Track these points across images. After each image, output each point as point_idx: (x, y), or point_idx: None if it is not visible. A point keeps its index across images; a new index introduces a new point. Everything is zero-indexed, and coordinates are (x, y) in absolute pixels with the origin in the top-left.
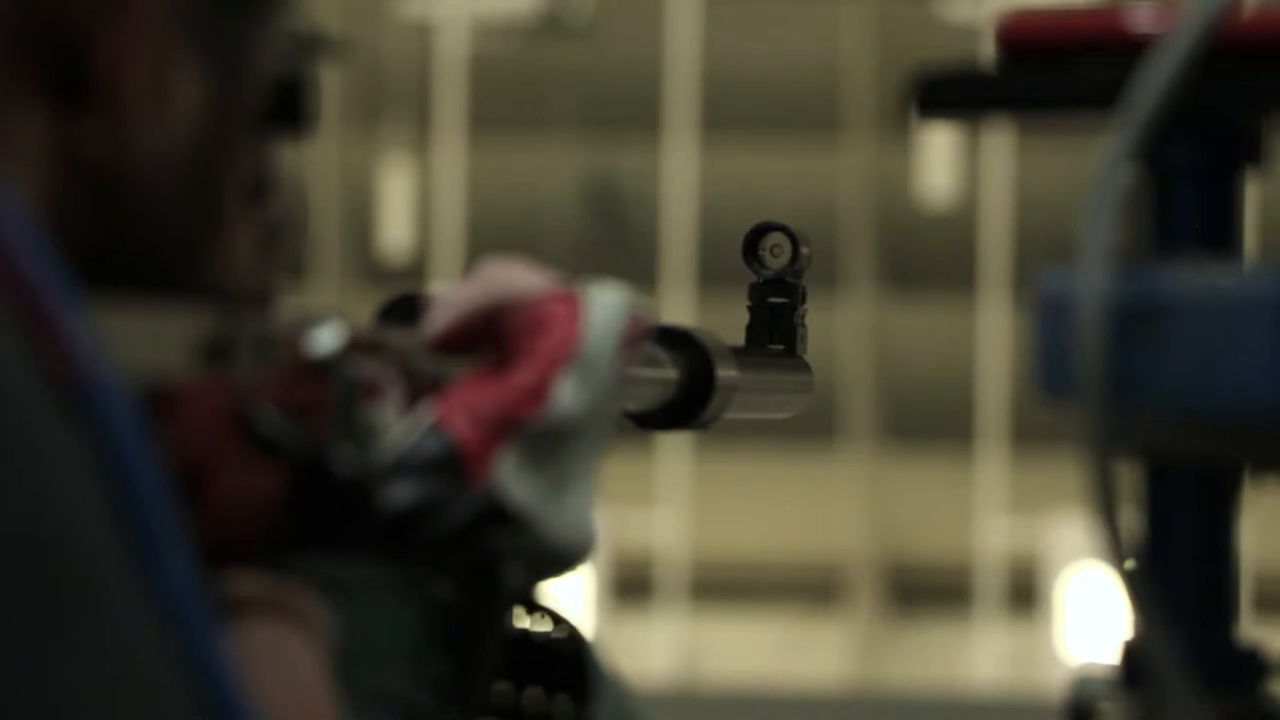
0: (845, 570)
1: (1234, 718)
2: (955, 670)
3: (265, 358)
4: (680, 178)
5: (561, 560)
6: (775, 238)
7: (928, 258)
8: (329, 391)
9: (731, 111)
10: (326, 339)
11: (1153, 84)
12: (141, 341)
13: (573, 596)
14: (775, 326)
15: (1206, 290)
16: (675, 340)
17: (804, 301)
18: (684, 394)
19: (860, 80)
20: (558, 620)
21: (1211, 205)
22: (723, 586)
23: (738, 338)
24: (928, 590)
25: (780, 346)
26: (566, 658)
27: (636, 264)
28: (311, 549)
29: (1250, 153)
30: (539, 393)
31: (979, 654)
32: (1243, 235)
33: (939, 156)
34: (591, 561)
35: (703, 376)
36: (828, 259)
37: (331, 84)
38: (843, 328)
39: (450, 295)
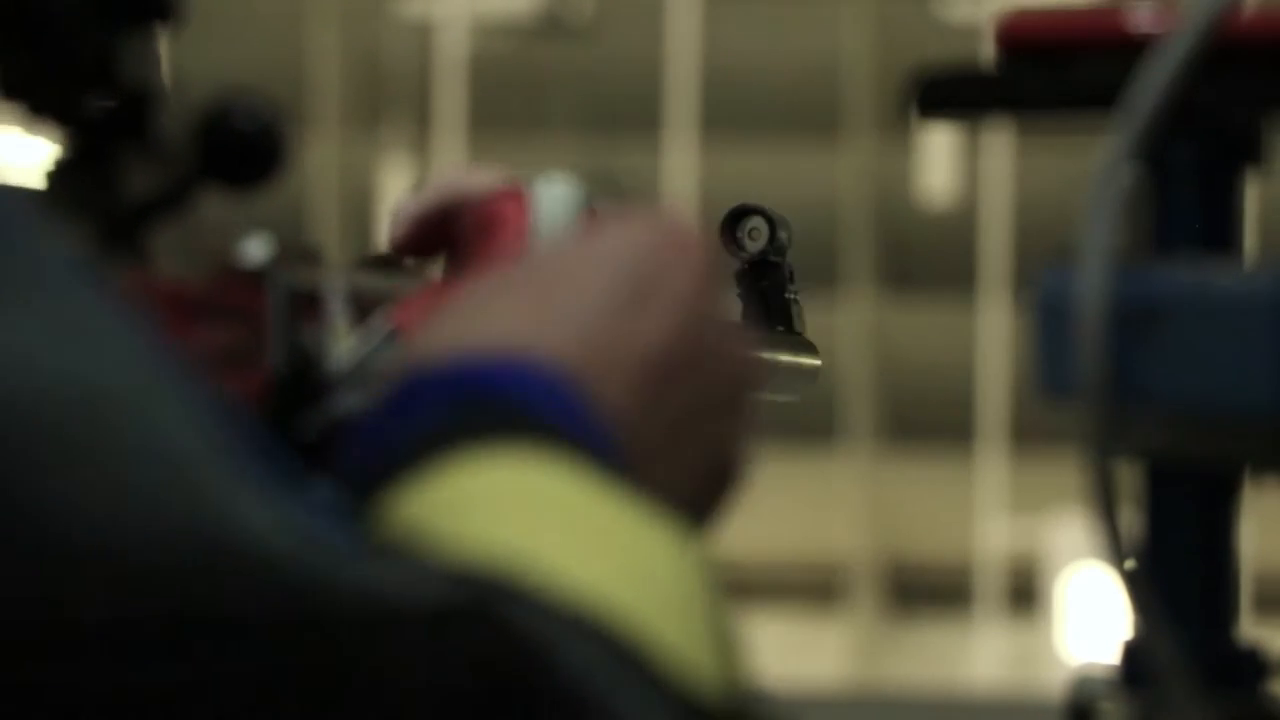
0: (845, 570)
1: (1234, 718)
2: (955, 670)
3: (189, 257)
4: (680, 178)
5: None
6: (753, 221)
7: (928, 258)
8: (265, 299)
9: (731, 111)
10: (256, 248)
11: (1153, 84)
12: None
13: None
14: (770, 308)
15: (1206, 290)
16: None
17: (793, 281)
18: None
19: (860, 80)
20: None
21: (1211, 205)
22: (722, 586)
23: None
24: (928, 590)
25: (780, 329)
26: None
27: None
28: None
29: (1250, 153)
30: None
31: (979, 654)
32: (1243, 235)
33: (939, 156)
34: None
35: None
36: (828, 259)
37: (331, 84)
38: (842, 328)
39: (404, 204)
